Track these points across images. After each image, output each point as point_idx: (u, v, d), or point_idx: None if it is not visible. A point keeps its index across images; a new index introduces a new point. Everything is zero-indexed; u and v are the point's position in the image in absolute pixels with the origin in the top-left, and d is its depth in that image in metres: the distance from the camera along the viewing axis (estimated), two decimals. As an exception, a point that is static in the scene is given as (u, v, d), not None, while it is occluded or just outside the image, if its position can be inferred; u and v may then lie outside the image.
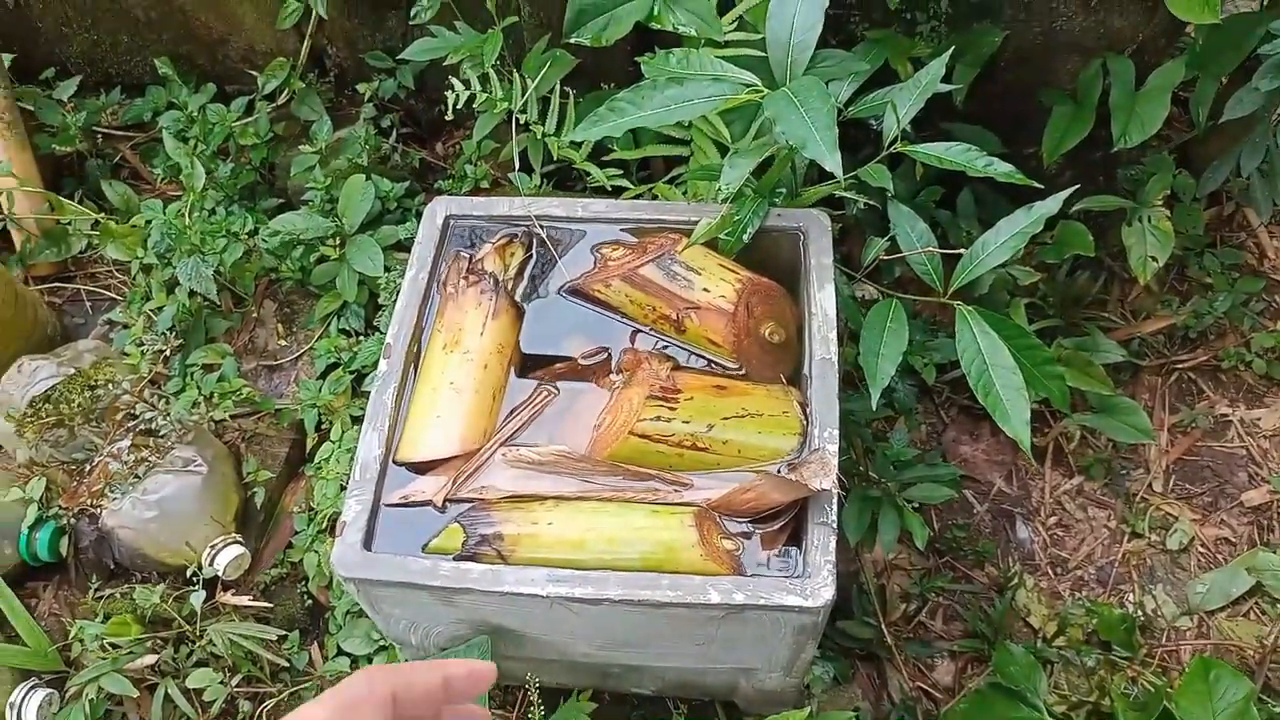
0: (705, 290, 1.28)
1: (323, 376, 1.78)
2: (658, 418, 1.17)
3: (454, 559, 1.15)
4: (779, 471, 1.16)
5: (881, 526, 1.49)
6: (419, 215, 1.86)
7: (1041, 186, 1.31)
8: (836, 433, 1.17)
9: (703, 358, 1.30)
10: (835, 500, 1.12)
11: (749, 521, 1.16)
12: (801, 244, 1.35)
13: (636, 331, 1.32)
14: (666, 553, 1.12)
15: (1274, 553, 1.71)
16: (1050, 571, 1.83)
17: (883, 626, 1.70)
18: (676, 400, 1.19)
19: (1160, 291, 2.04)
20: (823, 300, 1.28)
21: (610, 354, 1.30)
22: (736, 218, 1.33)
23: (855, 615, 1.71)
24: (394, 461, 1.22)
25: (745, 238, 1.33)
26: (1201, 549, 1.83)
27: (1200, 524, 1.85)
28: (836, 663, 1.63)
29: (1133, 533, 1.85)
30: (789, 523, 1.15)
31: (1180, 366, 2.00)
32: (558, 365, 1.30)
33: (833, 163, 1.09)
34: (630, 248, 1.34)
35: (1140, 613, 1.76)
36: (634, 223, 1.39)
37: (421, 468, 1.22)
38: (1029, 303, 1.84)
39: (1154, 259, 1.77)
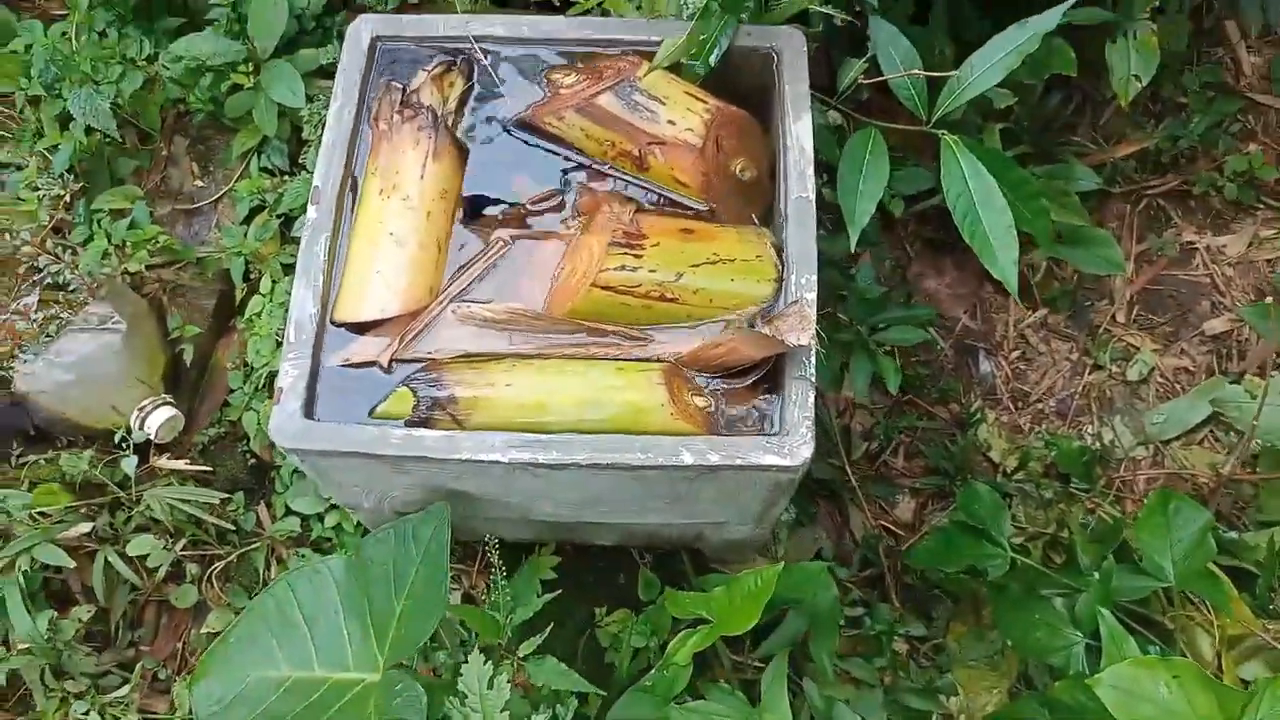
0: (670, 123, 1.15)
1: (247, 221, 1.63)
2: (622, 267, 1.07)
3: (405, 425, 1.06)
4: (754, 324, 1.08)
5: (854, 371, 1.44)
6: (341, 36, 1.66)
7: (1035, -5, 1.18)
8: (815, 280, 1.09)
9: (668, 198, 1.18)
10: (813, 354, 1.05)
11: (720, 377, 1.09)
12: (775, 68, 1.22)
13: (599, 171, 1.19)
14: (635, 413, 1.04)
15: (1236, 382, 1.71)
16: (1011, 405, 1.81)
17: (846, 466, 1.68)
18: (642, 247, 1.08)
19: (1132, 113, 1.95)
20: (799, 132, 1.16)
21: (565, 197, 1.18)
22: (703, 37, 1.18)
23: (818, 455, 1.68)
24: (332, 321, 1.11)
25: (713, 61, 1.19)
26: (1160, 379, 1.82)
27: (1161, 354, 1.84)
28: (800, 503, 1.61)
29: (1094, 364, 1.83)
30: (764, 377, 1.08)
31: (1150, 192, 1.94)
32: (508, 211, 1.18)
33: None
34: (584, 73, 1.20)
35: (1098, 443, 1.76)
36: (587, 44, 1.23)
37: (362, 328, 1.11)
38: (1003, 128, 1.73)
39: (1137, 78, 1.66)
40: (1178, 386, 1.82)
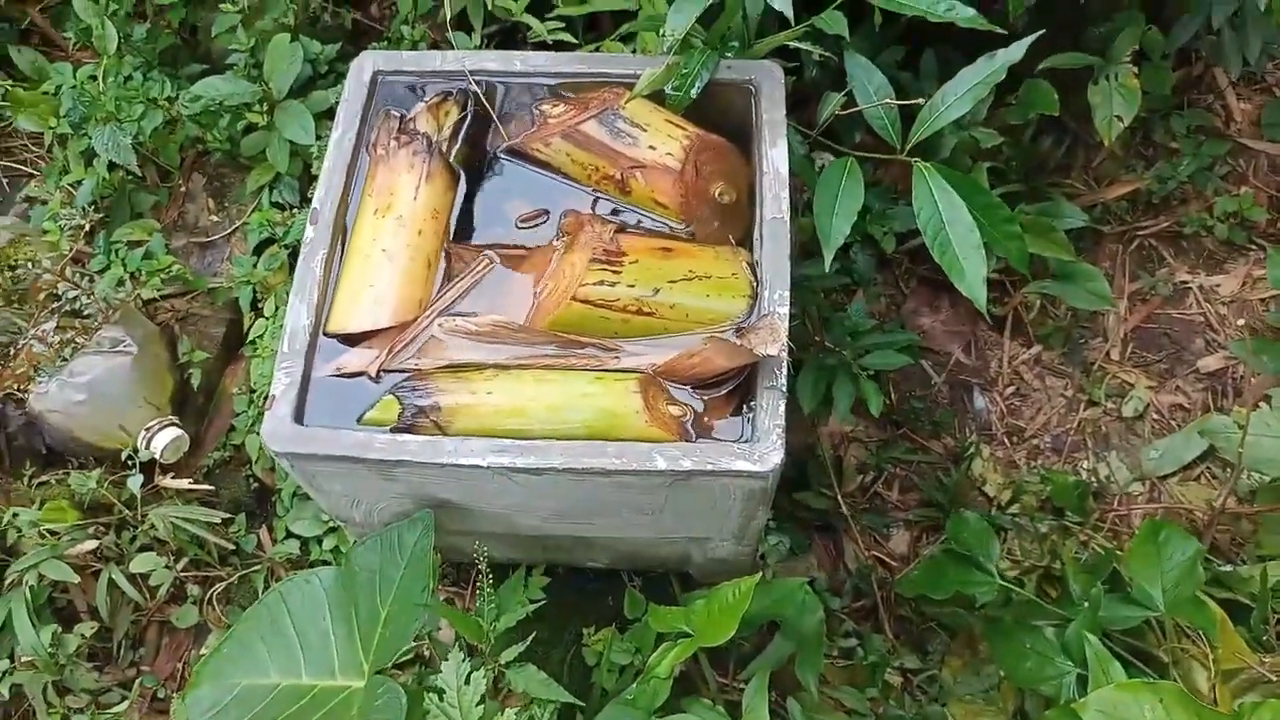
0: (651, 148, 1.21)
1: (257, 252, 1.70)
2: (601, 282, 1.11)
3: (390, 431, 1.10)
4: (727, 336, 1.12)
5: (836, 395, 1.46)
6: (352, 79, 1.74)
7: (1005, 32, 1.24)
8: (787, 295, 1.12)
9: (649, 219, 1.23)
10: (785, 365, 1.08)
11: (694, 388, 1.12)
12: (753, 98, 1.27)
13: (596, 199, 1.25)
14: (610, 420, 1.08)
15: (1228, 416, 1.71)
16: (1006, 440, 1.83)
17: (839, 497, 1.69)
18: (621, 263, 1.13)
19: (1125, 156, 1.99)
20: (774, 158, 1.21)
21: (551, 217, 1.24)
22: (684, 70, 1.24)
23: (812, 487, 1.70)
24: (325, 333, 1.16)
25: (693, 92, 1.25)
26: (1156, 415, 1.83)
27: (1156, 391, 1.85)
28: (792, 534, 1.62)
29: (1089, 401, 1.84)
30: (737, 389, 1.11)
31: (1142, 233, 1.97)
32: (496, 231, 1.23)
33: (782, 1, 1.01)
34: (571, 104, 1.26)
35: (1094, 479, 1.77)
36: (575, 77, 1.30)
37: (354, 339, 1.16)
38: (991, 167, 1.78)
39: (1119, 119, 1.71)
40: (1174, 423, 1.82)
